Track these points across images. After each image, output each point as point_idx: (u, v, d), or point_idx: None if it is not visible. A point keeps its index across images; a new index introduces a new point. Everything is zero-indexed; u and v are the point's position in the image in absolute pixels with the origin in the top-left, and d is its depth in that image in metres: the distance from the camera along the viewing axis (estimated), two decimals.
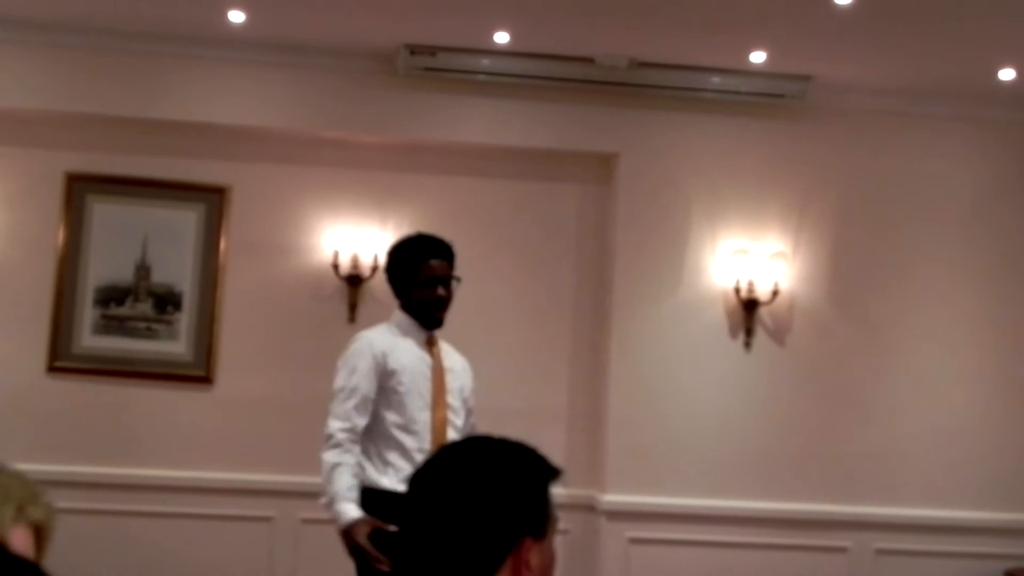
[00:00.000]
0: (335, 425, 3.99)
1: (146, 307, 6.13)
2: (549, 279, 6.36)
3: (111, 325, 6.10)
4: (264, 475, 6.06)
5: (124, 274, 6.12)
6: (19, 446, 5.93)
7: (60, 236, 6.10)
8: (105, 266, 6.11)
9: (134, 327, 6.12)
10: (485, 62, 6.04)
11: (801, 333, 6.27)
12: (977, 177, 6.40)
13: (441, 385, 4.15)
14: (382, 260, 6.09)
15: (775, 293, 6.18)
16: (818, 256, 6.31)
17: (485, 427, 6.10)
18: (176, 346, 6.14)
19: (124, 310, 6.11)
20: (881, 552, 6.18)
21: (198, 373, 6.13)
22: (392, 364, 4.07)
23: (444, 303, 4.18)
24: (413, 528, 1.46)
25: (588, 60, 5.99)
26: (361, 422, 4.01)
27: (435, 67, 6.00)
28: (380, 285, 6.15)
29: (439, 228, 6.22)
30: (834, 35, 5.53)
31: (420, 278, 4.14)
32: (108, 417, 6.06)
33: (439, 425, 4.09)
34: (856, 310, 6.31)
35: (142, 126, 6.12)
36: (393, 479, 3.97)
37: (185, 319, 6.15)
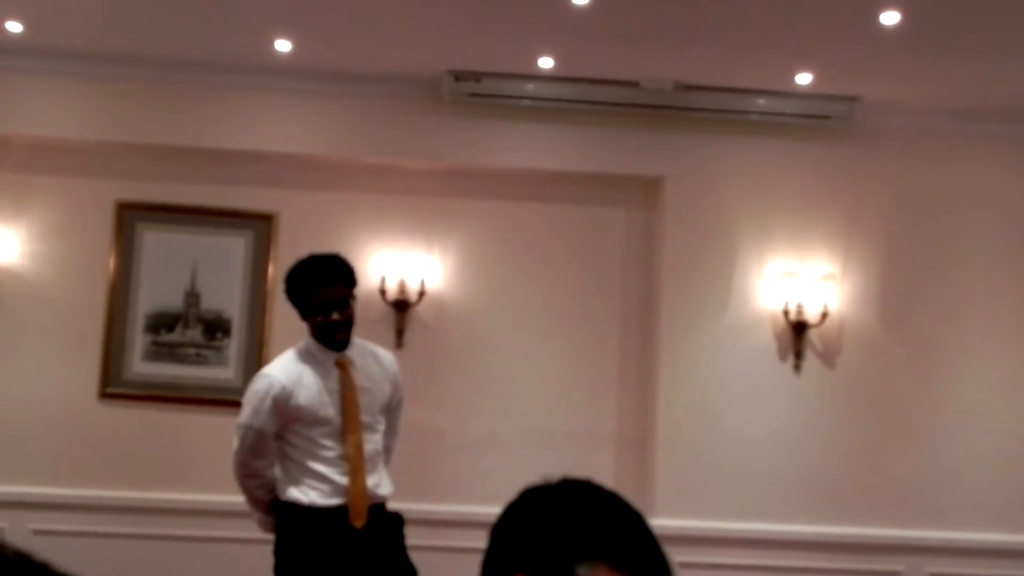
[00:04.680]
0: (235, 466, 4.26)
1: (195, 333, 6.18)
2: (596, 303, 6.35)
3: (161, 351, 6.16)
4: None
5: (174, 301, 6.18)
6: (72, 471, 6.00)
7: (111, 264, 6.17)
8: (155, 293, 6.17)
9: (184, 353, 6.17)
10: (530, 87, 6.06)
11: (851, 355, 6.21)
12: None
13: (354, 409, 4.16)
14: (429, 286, 6.16)
15: (824, 315, 6.14)
16: (867, 277, 6.26)
17: (533, 451, 6.12)
18: (225, 372, 6.18)
19: (174, 336, 6.17)
20: None
21: None
22: (295, 401, 4.10)
23: (342, 326, 4.16)
24: None
25: (633, 84, 5.99)
26: (259, 464, 4.20)
27: (480, 93, 6.02)
28: (428, 310, 6.20)
29: (485, 252, 6.29)
30: (881, 55, 5.50)
31: (314, 305, 4.14)
32: (159, 443, 6.10)
33: (354, 451, 4.13)
34: (906, 331, 6.25)
35: (191, 155, 6.19)
36: (312, 497, 4.11)
37: (234, 345, 6.19)
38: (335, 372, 4.17)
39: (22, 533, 5.74)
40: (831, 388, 6.18)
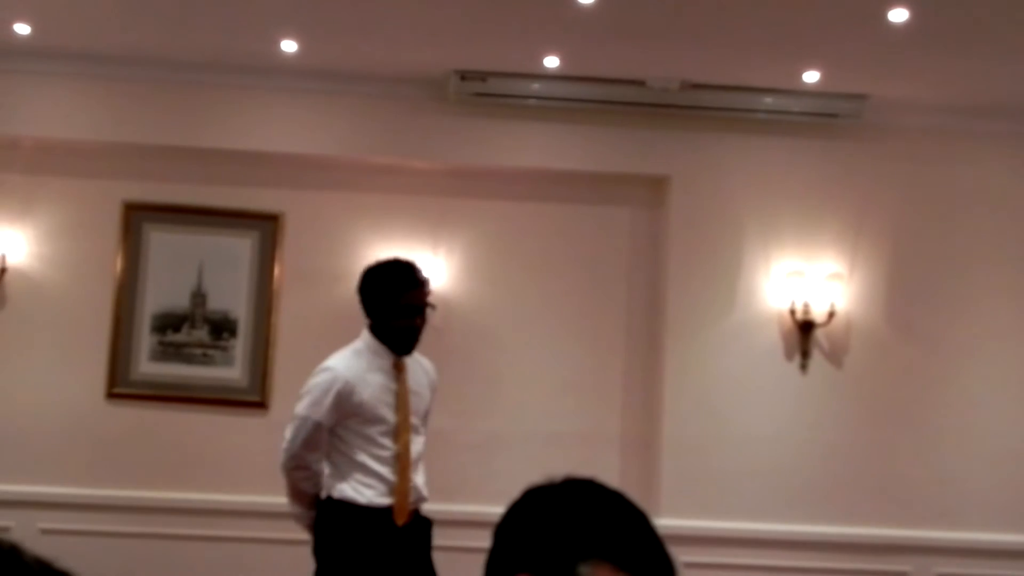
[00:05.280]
0: (286, 458, 4.21)
1: (202, 333, 6.18)
2: (601, 303, 6.34)
3: (168, 351, 6.16)
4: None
5: (180, 301, 6.19)
6: (79, 471, 6.02)
7: (118, 264, 6.17)
8: (162, 293, 6.18)
9: (190, 353, 6.17)
10: (536, 86, 6.05)
11: (858, 355, 6.20)
12: None
13: (407, 410, 4.23)
14: (435, 286, 6.15)
15: (831, 314, 6.12)
16: (875, 277, 6.25)
17: (538, 451, 6.11)
18: (232, 372, 6.19)
19: (180, 336, 6.17)
20: None
21: (253, 399, 6.18)
22: (356, 397, 4.14)
23: (420, 331, 4.24)
24: None
25: (639, 83, 5.98)
26: (310, 457, 4.18)
27: (486, 92, 6.02)
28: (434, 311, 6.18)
29: (491, 252, 6.28)
30: (889, 53, 5.48)
31: (400, 308, 4.18)
32: (165, 442, 6.11)
33: (404, 449, 4.20)
34: (914, 331, 6.23)
35: (197, 155, 6.19)
36: (368, 496, 4.15)
37: (240, 345, 6.20)
38: (393, 372, 4.24)
39: (30, 532, 5.75)
40: (838, 388, 6.17)
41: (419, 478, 4.27)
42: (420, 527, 4.31)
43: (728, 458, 6.06)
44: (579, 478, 1.39)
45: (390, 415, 4.19)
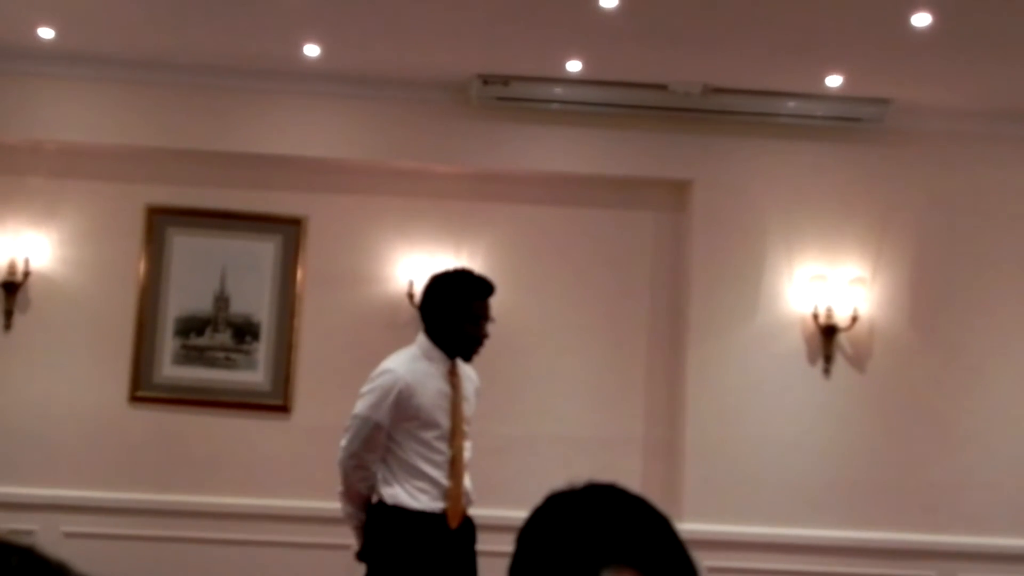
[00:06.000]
0: (344, 457, 4.25)
1: (225, 337, 6.20)
2: (624, 307, 6.33)
3: (191, 355, 6.18)
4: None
5: (203, 305, 6.21)
6: (102, 474, 6.04)
7: (141, 268, 6.20)
8: (185, 297, 6.20)
9: (213, 357, 6.19)
10: (558, 91, 6.05)
11: (881, 359, 6.17)
12: None
13: (460, 415, 4.31)
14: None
15: (854, 319, 6.10)
16: (898, 281, 6.22)
17: (560, 455, 6.10)
18: (254, 375, 6.20)
19: (203, 340, 6.19)
20: None
21: (276, 402, 6.19)
22: (416, 400, 4.21)
23: (483, 341, 4.35)
24: None
25: (661, 87, 5.97)
26: (369, 457, 4.22)
27: (508, 96, 6.02)
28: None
29: (513, 256, 6.28)
30: (912, 57, 5.46)
31: (470, 314, 4.28)
32: (188, 446, 6.13)
33: (457, 453, 4.28)
34: (938, 335, 6.20)
35: (220, 159, 6.21)
36: (423, 501, 4.20)
37: (263, 349, 6.21)
38: (448, 378, 4.32)
39: (53, 535, 5.77)
40: (861, 392, 6.14)
41: (468, 482, 4.34)
42: (468, 530, 4.36)
43: (751, 463, 6.04)
44: (601, 483, 1.38)
45: (445, 420, 4.26)
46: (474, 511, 4.43)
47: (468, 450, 4.35)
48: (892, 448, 6.10)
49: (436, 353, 4.31)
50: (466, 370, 4.45)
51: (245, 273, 6.24)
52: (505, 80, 5.96)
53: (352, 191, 6.32)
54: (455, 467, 4.25)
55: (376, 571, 4.28)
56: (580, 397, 6.24)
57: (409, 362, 4.30)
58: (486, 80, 5.95)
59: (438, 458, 4.23)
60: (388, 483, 4.24)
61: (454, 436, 4.27)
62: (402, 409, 4.19)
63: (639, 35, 5.36)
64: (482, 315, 4.30)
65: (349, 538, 6.04)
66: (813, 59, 5.61)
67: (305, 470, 6.11)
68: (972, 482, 6.09)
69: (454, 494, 4.23)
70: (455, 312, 4.27)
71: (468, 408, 4.38)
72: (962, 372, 6.17)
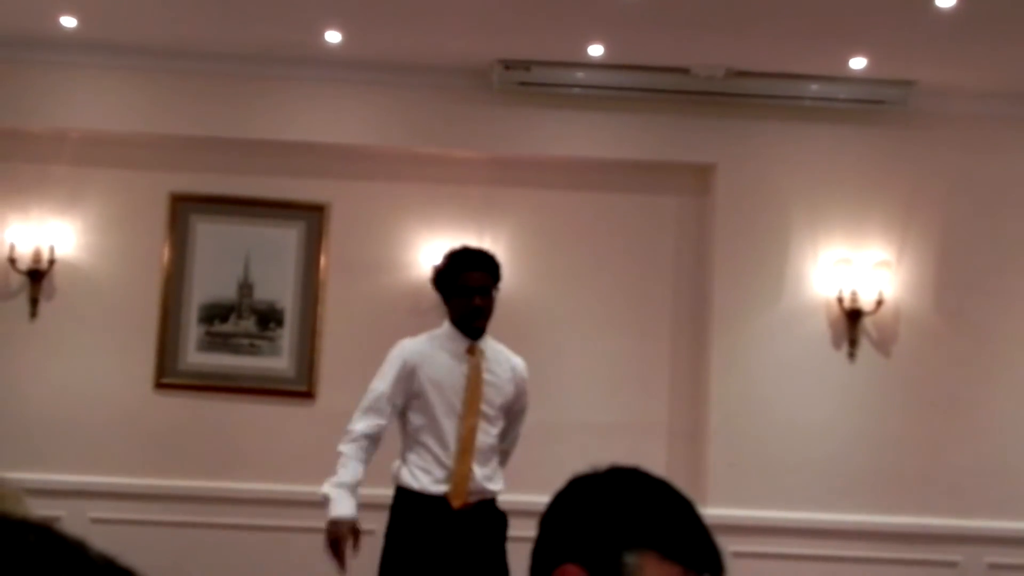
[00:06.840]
0: (352, 422, 4.32)
1: (249, 324, 6.22)
2: (647, 291, 6.32)
3: (215, 342, 6.21)
4: (365, 488, 6.09)
5: (227, 291, 6.23)
6: (128, 461, 6.08)
7: (165, 255, 6.22)
8: (209, 284, 6.22)
9: (237, 343, 6.21)
10: (580, 75, 6.03)
11: (907, 343, 6.14)
12: None
13: (476, 395, 4.30)
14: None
15: (879, 303, 6.07)
16: (924, 264, 6.18)
17: (584, 441, 6.09)
18: (278, 362, 6.22)
19: (228, 327, 6.21)
20: (993, 567, 6.01)
21: (300, 388, 6.21)
22: (421, 373, 4.28)
23: (481, 312, 4.33)
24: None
25: (684, 71, 5.95)
26: (376, 421, 4.27)
27: (530, 81, 6.01)
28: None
29: (536, 242, 6.28)
30: (937, 38, 5.42)
31: (458, 288, 4.31)
32: (213, 432, 6.16)
33: (467, 433, 4.27)
34: (963, 319, 6.16)
35: (243, 146, 6.23)
36: (423, 481, 4.24)
37: (287, 335, 6.23)
38: (466, 358, 4.34)
39: (80, 521, 5.81)
40: (886, 377, 6.11)
41: (485, 470, 4.29)
42: (491, 518, 4.34)
43: (775, 447, 6.02)
44: (624, 466, 1.38)
45: (455, 398, 4.28)
46: (499, 497, 4.42)
47: (489, 435, 4.32)
48: (917, 432, 6.07)
49: (453, 333, 4.36)
50: (510, 359, 4.46)
51: (269, 260, 6.26)
52: (527, 65, 5.95)
53: (374, 177, 6.33)
54: (463, 446, 4.25)
55: (386, 550, 4.34)
56: (604, 383, 6.24)
57: (421, 340, 4.39)
58: (508, 65, 5.94)
59: (446, 437, 4.25)
60: (400, 464, 4.34)
61: (467, 415, 4.27)
62: (410, 382, 4.28)
63: (661, 19, 5.33)
64: (471, 287, 4.29)
65: (372, 523, 6.08)
66: (836, 41, 5.57)
67: (330, 456, 6.06)
68: (997, 466, 6.06)
69: (459, 472, 4.23)
70: (447, 287, 4.36)
71: (494, 393, 4.35)
72: (988, 356, 6.14)
